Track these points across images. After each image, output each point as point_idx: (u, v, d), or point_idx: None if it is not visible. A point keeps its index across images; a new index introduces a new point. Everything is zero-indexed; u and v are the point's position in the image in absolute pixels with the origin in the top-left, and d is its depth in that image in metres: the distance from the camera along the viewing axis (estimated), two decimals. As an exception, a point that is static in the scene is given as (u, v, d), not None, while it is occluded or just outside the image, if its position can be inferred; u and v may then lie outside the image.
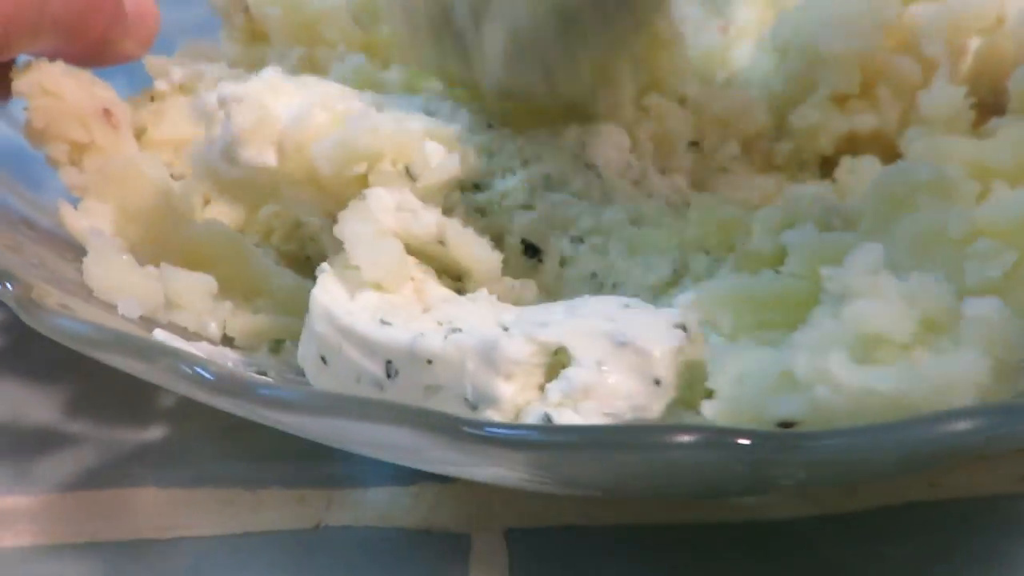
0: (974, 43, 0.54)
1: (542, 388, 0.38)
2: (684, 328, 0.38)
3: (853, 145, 0.53)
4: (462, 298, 0.42)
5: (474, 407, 0.38)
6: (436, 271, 0.44)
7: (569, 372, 0.37)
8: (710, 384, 0.37)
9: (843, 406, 0.33)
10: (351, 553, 0.44)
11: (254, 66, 0.58)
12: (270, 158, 0.43)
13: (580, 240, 0.47)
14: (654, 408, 0.37)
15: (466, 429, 0.30)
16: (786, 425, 0.34)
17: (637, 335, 0.38)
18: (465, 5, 0.46)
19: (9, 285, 0.36)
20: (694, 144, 0.54)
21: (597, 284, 0.46)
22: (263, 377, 0.42)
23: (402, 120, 0.44)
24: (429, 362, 0.38)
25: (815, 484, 0.42)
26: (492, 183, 0.47)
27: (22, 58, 0.52)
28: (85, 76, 0.52)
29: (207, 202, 0.54)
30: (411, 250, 0.43)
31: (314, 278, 0.47)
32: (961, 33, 0.53)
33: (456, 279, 0.45)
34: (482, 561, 0.44)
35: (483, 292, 0.42)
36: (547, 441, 0.30)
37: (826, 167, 0.54)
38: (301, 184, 0.44)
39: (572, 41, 0.47)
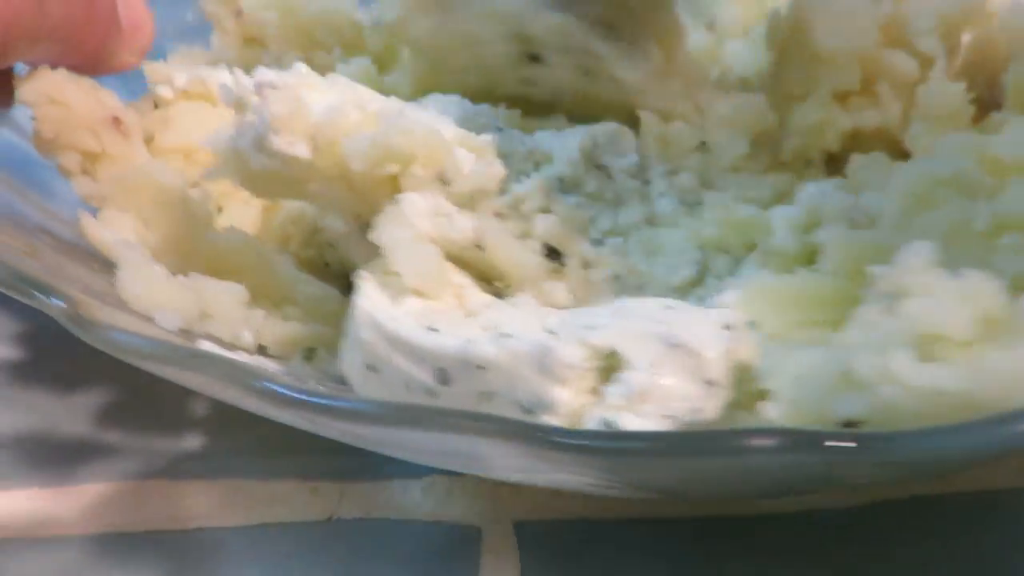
0: (966, 37, 0.55)
1: (594, 392, 0.39)
2: (731, 328, 0.39)
3: (857, 141, 0.54)
4: (504, 303, 0.43)
5: (529, 413, 0.38)
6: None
7: (626, 376, 0.38)
8: (766, 385, 0.37)
9: (909, 405, 0.33)
10: (363, 545, 0.45)
11: (248, 70, 0.58)
12: (302, 150, 0.42)
13: (600, 242, 0.47)
14: (709, 410, 0.38)
15: (557, 439, 0.31)
16: (849, 425, 0.35)
17: (689, 337, 0.38)
18: None
19: (60, 300, 0.36)
20: (702, 143, 0.54)
21: (621, 285, 0.47)
22: (327, 389, 0.42)
23: (434, 124, 0.43)
24: (481, 368, 0.39)
25: (877, 482, 0.42)
26: (508, 186, 0.47)
27: (18, 66, 0.51)
28: (88, 83, 0.51)
29: (220, 209, 0.53)
30: (447, 255, 0.43)
31: (339, 285, 0.47)
32: (954, 27, 0.54)
33: (487, 282, 0.45)
34: (492, 552, 0.44)
35: (524, 296, 0.42)
36: (639, 448, 0.31)
37: (831, 164, 0.55)
38: (331, 180, 0.43)
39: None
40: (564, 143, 0.50)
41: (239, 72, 0.44)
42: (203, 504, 0.47)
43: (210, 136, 0.44)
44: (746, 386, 0.38)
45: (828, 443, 0.30)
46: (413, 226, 0.41)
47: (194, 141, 0.54)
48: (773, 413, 0.36)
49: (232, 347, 0.45)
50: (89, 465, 0.49)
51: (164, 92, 0.55)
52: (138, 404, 0.51)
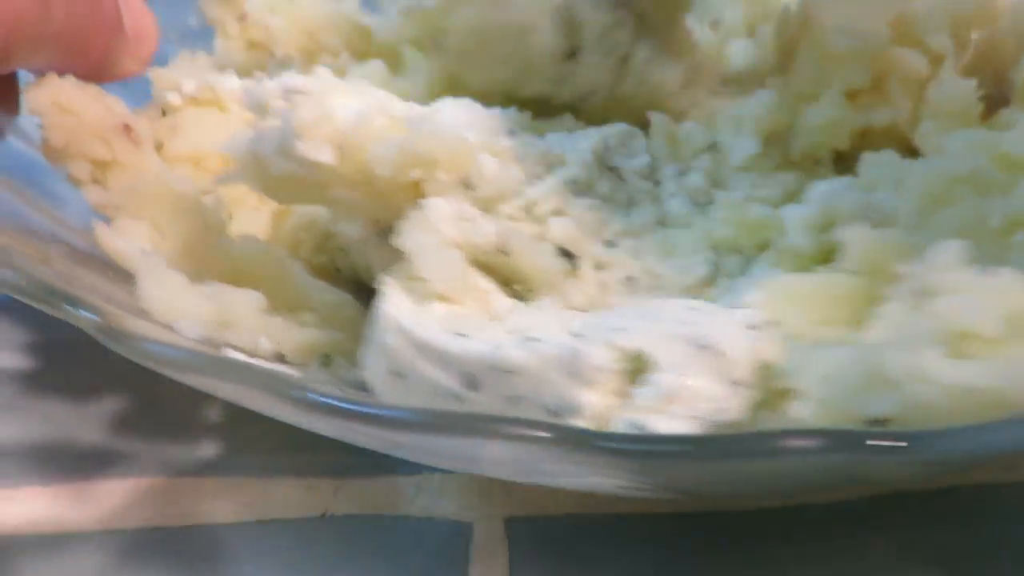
0: (975, 35, 0.55)
1: (620, 394, 0.39)
2: (756, 328, 0.39)
3: (865, 139, 0.54)
4: (528, 307, 0.42)
5: (556, 416, 0.38)
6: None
7: (654, 377, 0.38)
8: (793, 384, 0.37)
9: (940, 403, 0.33)
10: (357, 540, 0.45)
11: (253, 75, 0.58)
12: (327, 155, 0.42)
13: (612, 244, 0.47)
14: (735, 410, 0.38)
15: (599, 443, 0.31)
16: (878, 423, 0.35)
17: (717, 337, 0.38)
18: None
19: (91, 312, 0.35)
20: (712, 143, 0.54)
21: (634, 287, 0.47)
22: (364, 397, 0.42)
23: (459, 129, 0.43)
24: (510, 373, 0.38)
25: (904, 480, 0.42)
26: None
27: (23, 75, 0.51)
28: (95, 90, 0.50)
29: (230, 216, 0.53)
30: (471, 260, 0.43)
31: (349, 290, 0.47)
32: (964, 25, 0.54)
33: (508, 286, 0.45)
34: (483, 549, 0.45)
35: (548, 300, 0.42)
36: (687, 451, 0.31)
37: (839, 162, 0.55)
38: (354, 185, 0.43)
39: None
40: (576, 145, 0.50)
41: (262, 77, 0.43)
42: (201, 501, 0.47)
43: (227, 141, 0.44)
44: (771, 386, 0.38)
45: (870, 442, 0.30)
46: (438, 231, 0.41)
47: (204, 148, 0.53)
48: (802, 412, 0.36)
49: (252, 355, 0.45)
50: (103, 469, 0.49)
51: (173, 99, 0.55)
52: (149, 411, 0.51)
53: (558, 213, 0.47)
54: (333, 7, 0.58)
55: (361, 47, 0.58)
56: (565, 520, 0.46)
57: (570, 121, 0.55)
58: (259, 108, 0.43)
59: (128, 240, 0.47)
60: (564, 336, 0.39)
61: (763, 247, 0.48)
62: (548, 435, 0.31)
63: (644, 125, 0.53)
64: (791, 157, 0.54)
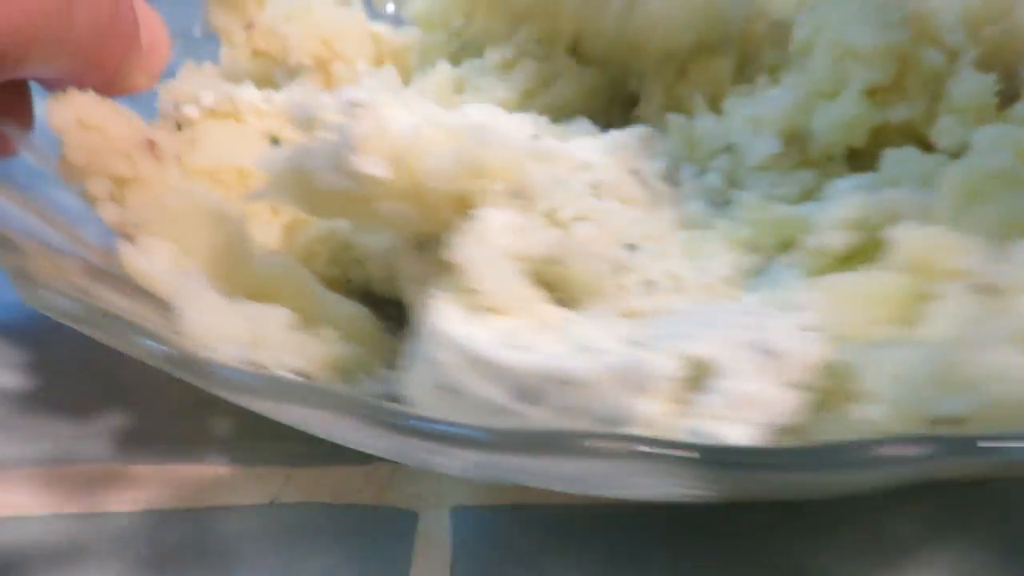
0: (988, 31, 0.55)
1: (679, 401, 0.38)
2: (813, 330, 0.39)
3: (880, 136, 0.54)
4: (580, 316, 0.42)
5: (612, 426, 0.38)
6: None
7: (718, 384, 0.37)
8: (863, 386, 0.37)
9: (1018, 401, 0.34)
10: (301, 527, 0.46)
11: (262, 84, 0.57)
12: (381, 169, 0.41)
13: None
14: (799, 414, 0.38)
15: (677, 453, 0.30)
16: (951, 423, 0.35)
17: (778, 341, 0.38)
18: None
19: (157, 343, 0.34)
20: (729, 144, 0.54)
21: (656, 290, 0.46)
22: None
23: (509, 138, 0.43)
24: (567, 384, 0.38)
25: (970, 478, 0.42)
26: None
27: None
28: (114, 105, 0.49)
29: (244, 230, 0.52)
30: (523, 270, 0.42)
31: (360, 302, 0.46)
32: (978, 21, 0.55)
33: (557, 296, 0.44)
34: (425, 536, 0.45)
35: (599, 309, 0.42)
36: (788, 463, 0.30)
37: (852, 158, 0.55)
38: (403, 198, 0.42)
39: None
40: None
41: (313, 88, 0.43)
42: (150, 487, 0.47)
43: (262, 158, 0.43)
44: (833, 387, 0.38)
45: (981, 444, 0.30)
46: (493, 243, 0.40)
47: (223, 161, 0.52)
48: (873, 414, 0.36)
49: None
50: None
51: (190, 112, 0.54)
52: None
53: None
54: (347, 14, 0.57)
55: (375, 54, 0.57)
56: (511, 510, 0.46)
57: (586, 124, 0.55)
58: (307, 122, 0.42)
59: (155, 260, 0.45)
60: (621, 345, 0.39)
61: (785, 246, 0.48)
62: (674, 452, 0.30)
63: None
64: (808, 155, 0.54)
